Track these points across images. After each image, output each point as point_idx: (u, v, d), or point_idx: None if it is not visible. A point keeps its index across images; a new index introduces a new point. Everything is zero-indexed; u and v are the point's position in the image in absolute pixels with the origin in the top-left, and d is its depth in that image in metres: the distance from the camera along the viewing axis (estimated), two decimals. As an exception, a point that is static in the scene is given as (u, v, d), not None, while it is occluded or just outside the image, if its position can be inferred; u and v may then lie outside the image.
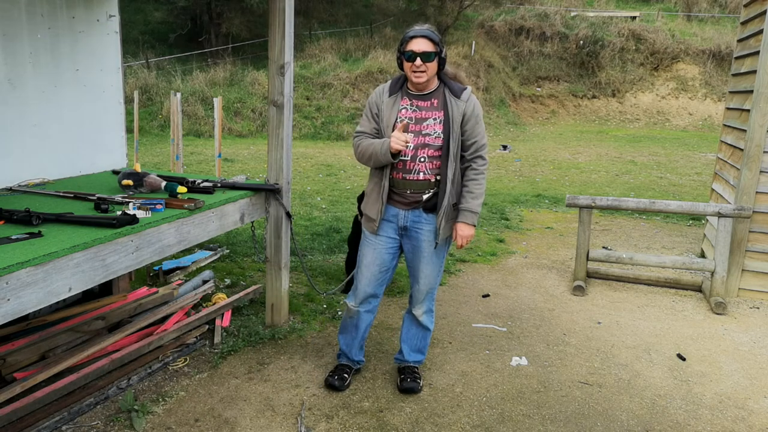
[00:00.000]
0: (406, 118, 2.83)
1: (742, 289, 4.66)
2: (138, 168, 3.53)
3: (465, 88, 2.88)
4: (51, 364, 2.98)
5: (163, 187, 3.21)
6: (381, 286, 3.06)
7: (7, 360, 2.90)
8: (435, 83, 2.87)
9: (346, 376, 3.13)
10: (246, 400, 2.96)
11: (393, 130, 2.82)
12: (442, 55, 2.79)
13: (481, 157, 2.89)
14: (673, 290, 4.78)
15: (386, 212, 2.93)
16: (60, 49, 3.62)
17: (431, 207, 2.88)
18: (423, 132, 2.82)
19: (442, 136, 2.80)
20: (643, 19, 23.65)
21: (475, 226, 2.92)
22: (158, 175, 3.34)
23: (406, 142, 2.76)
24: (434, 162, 2.83)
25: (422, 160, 2.82)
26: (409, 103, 2.85)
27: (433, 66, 2.77)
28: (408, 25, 2.92)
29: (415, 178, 2.84)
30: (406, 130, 2.79)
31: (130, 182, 3.21)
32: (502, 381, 3.24)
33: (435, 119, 2.82)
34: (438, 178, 2.85)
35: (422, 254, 2.94)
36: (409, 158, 2.83)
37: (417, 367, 3.21)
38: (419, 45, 2.72)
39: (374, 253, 2.98)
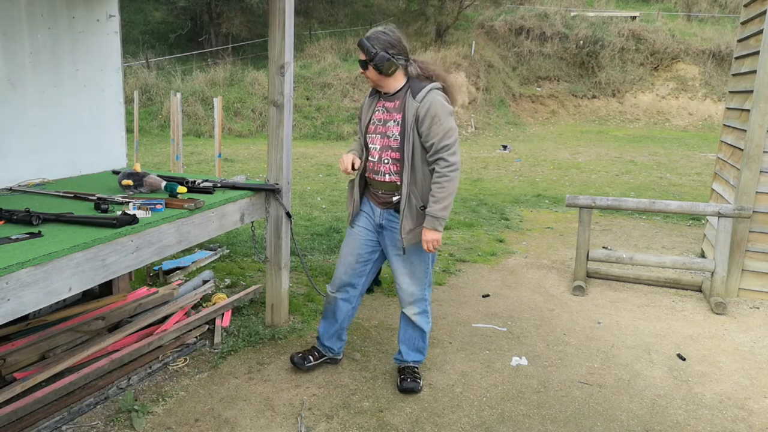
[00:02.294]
0: (377, 120, 2.88)
1: (742, 289, 4.66)
2: (138, 168, 3.53)
3: (424, 87, 2.76)
4: (51, 364, 2.98)
5: (163, 187, 3.21)
6: (359, 277, 3.11)
7: (7, 360, 2.90)
8: (400, 83, 2.83)
9: (311, 358, 3.19)
10: (246, 400, 2.96)
11: (366, 132, 2.91)
12: (375, 62, 2.71)
13: (443, 159, 2.73)
14: (673, 290, 4.78)
15: (362, 205, 3.02)
16: (60, 49, 3.62)
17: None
18: (387, 134, 2.84)
19: (399, 138, 2.80)
20: (643, 19, 23.62)
21: (439, 230, 2.79)
22: (158, 175, 3.34)
23: (349, 167, 2.86)
24: (397, 165, 2.84)
25: (386, 162, 2.86)
26: (381, 104, 2.88)
27: (370, 73, 2.79)
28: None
29: (382, 179, 2.89)
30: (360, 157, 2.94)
31: (130, 182, 3.22)
32: (502, 381, 3.24)
33: (395, 121, 2.82)
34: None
35: (397, 252, 2.99)
36: (376, 159, 2.88)
37: (417, 367, 3.21)
38: (360, 53, 2.80)
39: (352, 244, 3.07)
